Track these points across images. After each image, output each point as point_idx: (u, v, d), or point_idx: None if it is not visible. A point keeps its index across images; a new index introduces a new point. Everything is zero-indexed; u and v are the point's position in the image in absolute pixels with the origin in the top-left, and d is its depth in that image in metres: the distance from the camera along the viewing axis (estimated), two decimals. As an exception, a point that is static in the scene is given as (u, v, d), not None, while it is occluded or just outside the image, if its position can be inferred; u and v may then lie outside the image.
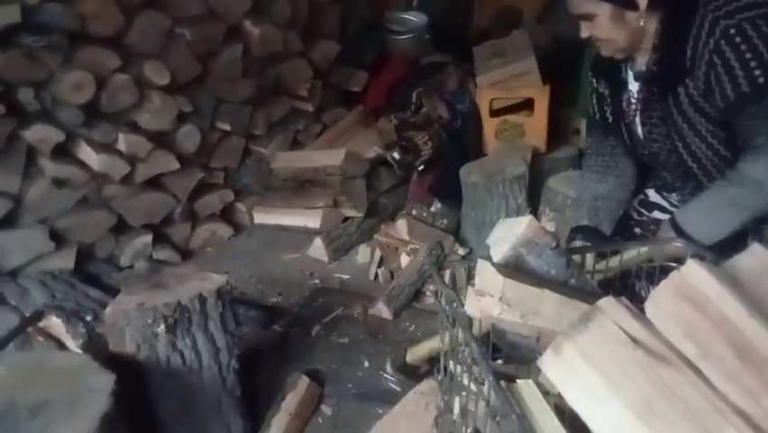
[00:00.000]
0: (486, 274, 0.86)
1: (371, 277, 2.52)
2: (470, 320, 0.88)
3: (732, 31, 1.25)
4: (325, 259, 2.61)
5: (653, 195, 1.74)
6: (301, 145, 3.13)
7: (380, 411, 1.75)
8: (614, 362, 0.63)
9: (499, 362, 0.98)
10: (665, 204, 1.69)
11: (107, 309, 1.55)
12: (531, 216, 1.02)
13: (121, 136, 2.30)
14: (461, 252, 2.54)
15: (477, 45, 3.22)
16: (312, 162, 2.79)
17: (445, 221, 2.67)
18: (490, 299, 0.83)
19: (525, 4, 3.69)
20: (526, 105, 2.87)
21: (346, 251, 2.68)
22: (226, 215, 2.87)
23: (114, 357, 1.53)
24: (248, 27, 2.68)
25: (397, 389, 1.88)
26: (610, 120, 1.65)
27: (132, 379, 1.49)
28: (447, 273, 1.84)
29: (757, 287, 0.67)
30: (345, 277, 2.54)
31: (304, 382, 1.83)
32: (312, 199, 2.74)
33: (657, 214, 1.70)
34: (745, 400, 0.58)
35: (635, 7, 1.35)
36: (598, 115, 1.69)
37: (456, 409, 0.94)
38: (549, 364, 0.68)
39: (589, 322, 0.66)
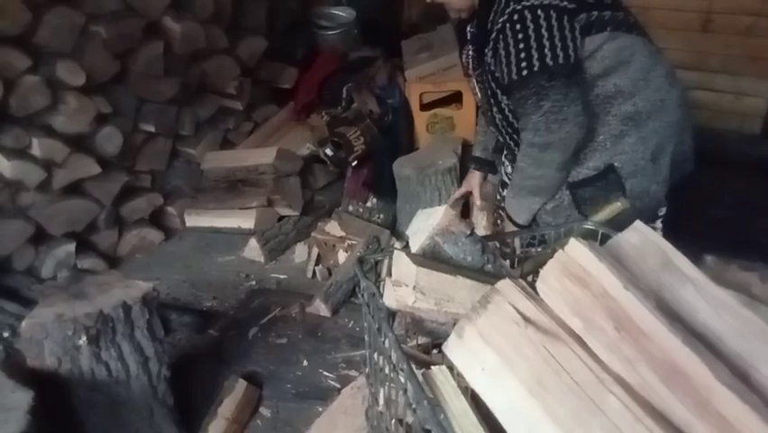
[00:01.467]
0: (401, 264, 0.87)
1: (309, 275, 2.51)
2: (388, 311, 0.89)
3: (516, 16, 1.36)
4: (261, 260, 2.57)
5: (502, 174, 1.87)
6: (232, 145, 3.06)
7: (320, 409, 1.75)
8: (508, 341, 0.65)
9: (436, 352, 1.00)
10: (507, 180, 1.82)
11: (23, 323, 1.48)
12: (446, 205, 1.04)
13: (34, 141, 2.18)
14: (398, 245, 2.56)
15: (405, 39, 3.25)
16: (243, 161, 2.75)
17: (381, 216, 2.68)
18: (405, 288, 0.84)
19: (452, -2, 3.74)
20: (456, 98, 2.92)
21: (283, 250, 2.65)
22: (156, 219, 2.78)
23: (34, 373, 1.46)
24: (168, 23, 2.59)
25: (337, 386, 1.89)
26: None
27: (55, 394, 1.43)
28: (385, 266, 1.88)
29: (639, 262, 0.72)
30: (282, 277, 2.52)
31: (241, 386, 1.81)
32: (245, 199, 2.69)
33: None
34: (623, 369, 0.62)
35: None
36: None
37: (381, 400, 0.95)
38: (453, 348, 0.70)
39: (487, 304, 0.68)
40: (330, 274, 2.47)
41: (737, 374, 0.63)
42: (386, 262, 1.13)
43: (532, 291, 0.70)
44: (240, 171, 2.73)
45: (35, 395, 1.29)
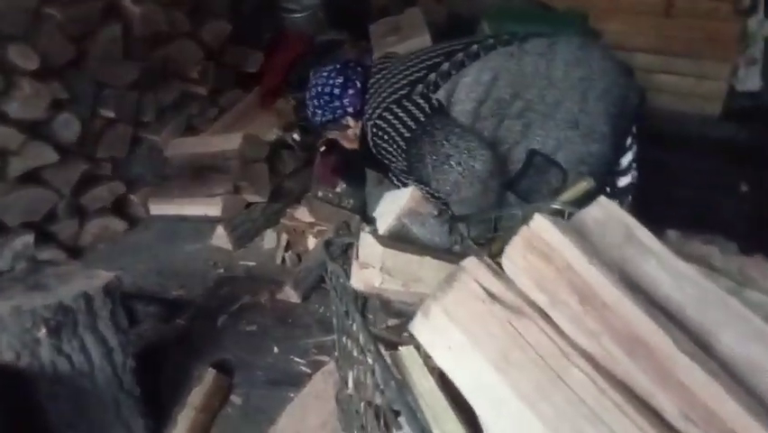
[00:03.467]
0: (367, 246, 0.87)
1: (279, 262, 2.48)
2: (355, 293, 0.88)
3: (375, 129, 1.71)
4: (229, 247, 2.53)
5: None
6: (197, 131, 2.99)
7: (292, 395, 1.74)
8: (474, 318, 0.65)
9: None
10: None
11: (-23, 317, 1.42)
12: (413, 186, 1.03)
13: (-13, 128, 2.10)
14: (367, 230, 2.55)
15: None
16: (209, 148, 2.69)
17: (351, 201, 2.66)
18: (372, 269, 0.83)
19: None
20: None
21: (251, 237, 2.61)
22: (119, 208, 2.70)
23: (-9, 368, 1.41)
24: (127, 5, 2.51)
25: (309, 371, 1.88)
26: None
27: (14, 388, 1.39)
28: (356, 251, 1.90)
29: (602, 236, 0.72)
30: (251, 264, 2.48)
31: (210, 375, 1.78)
32: (211, 186, 2.64)
33: None
34: (588, 342, 0.62)
35: (348, 127, 1.88)
36: None
37: (350, 383, 0.95)
38: (419, 328, 0.69)
39: (453, 282, 0.68)
40: (300, 260, 2.45)
41: (699, 344, 0.64)
42: (356, 246, 1.12)
43: (497, 268, 0.70)
44: (205, 158, 2.67)
45: (-7, 390, 1.25)
